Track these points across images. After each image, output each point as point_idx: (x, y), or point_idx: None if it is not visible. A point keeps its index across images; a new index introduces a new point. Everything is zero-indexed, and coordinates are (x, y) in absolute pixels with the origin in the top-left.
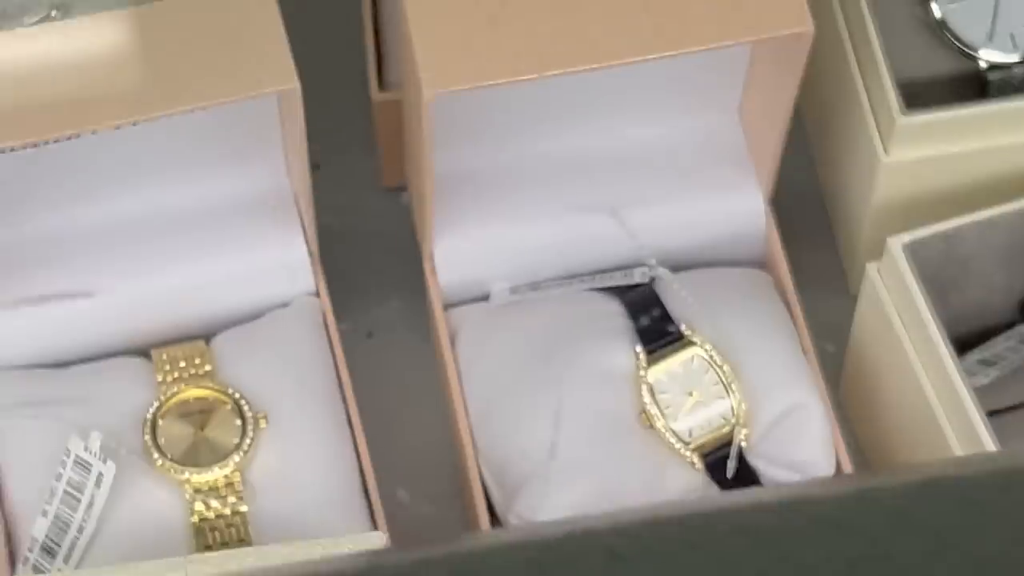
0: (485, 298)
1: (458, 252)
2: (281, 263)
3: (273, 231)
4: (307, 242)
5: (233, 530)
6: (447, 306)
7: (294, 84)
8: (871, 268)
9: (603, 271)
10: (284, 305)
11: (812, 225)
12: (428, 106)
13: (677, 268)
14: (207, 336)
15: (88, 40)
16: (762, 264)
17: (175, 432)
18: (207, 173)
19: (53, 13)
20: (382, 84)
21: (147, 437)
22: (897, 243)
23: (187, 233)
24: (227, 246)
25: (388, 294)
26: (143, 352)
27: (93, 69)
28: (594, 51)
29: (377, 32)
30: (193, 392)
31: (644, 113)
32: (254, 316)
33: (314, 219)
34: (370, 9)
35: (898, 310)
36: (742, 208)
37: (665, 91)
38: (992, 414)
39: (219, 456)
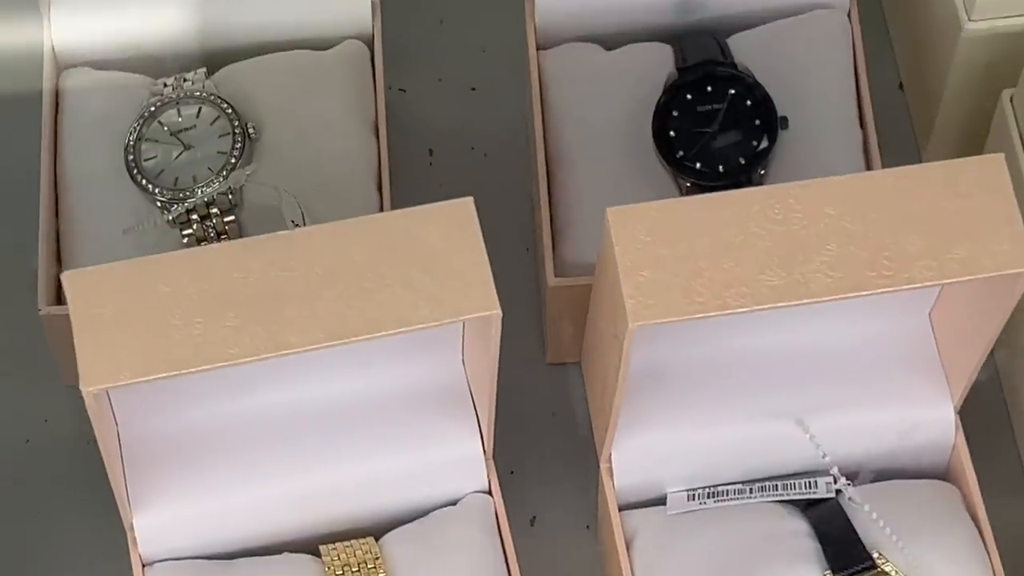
0: (659, 499)
1: (636, 454)
2: (455, 461)
3: (448, 428)
4: (483, 441)
5: None
6: (621, 507)
7: (496, 311)
8: None
9: (783, 476)
10: (453, 502)
11: (990, 424)
12: (632, 335)
13: (859, 475)
14: (374, 531)
15: (289, 255)
16: (945, 471)
17: None
18: (382, 365)
19: (224, 177)
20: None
21: None
22: None
23: (359, 427)
24: (401, 442)
25: (551, 477)
26: (309, 545)
27: (293, 289)
28: (805, 289)
29: (552, 218)
30: None
31: (832, 316)
32: (423, 512)
33: (493, 420)
34: (546, 197)
35: None
36: (931, 418)
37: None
38: None
39: None
